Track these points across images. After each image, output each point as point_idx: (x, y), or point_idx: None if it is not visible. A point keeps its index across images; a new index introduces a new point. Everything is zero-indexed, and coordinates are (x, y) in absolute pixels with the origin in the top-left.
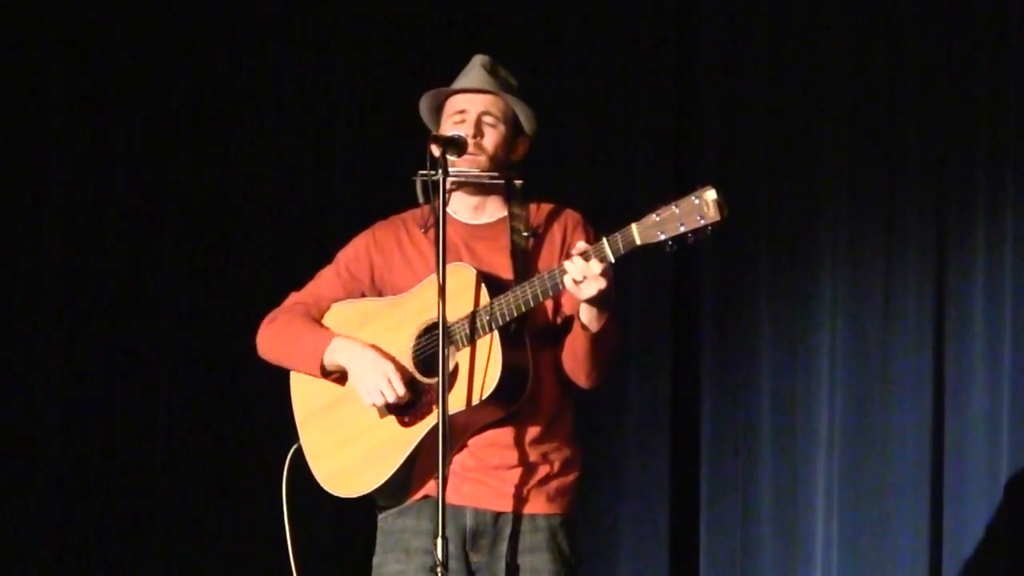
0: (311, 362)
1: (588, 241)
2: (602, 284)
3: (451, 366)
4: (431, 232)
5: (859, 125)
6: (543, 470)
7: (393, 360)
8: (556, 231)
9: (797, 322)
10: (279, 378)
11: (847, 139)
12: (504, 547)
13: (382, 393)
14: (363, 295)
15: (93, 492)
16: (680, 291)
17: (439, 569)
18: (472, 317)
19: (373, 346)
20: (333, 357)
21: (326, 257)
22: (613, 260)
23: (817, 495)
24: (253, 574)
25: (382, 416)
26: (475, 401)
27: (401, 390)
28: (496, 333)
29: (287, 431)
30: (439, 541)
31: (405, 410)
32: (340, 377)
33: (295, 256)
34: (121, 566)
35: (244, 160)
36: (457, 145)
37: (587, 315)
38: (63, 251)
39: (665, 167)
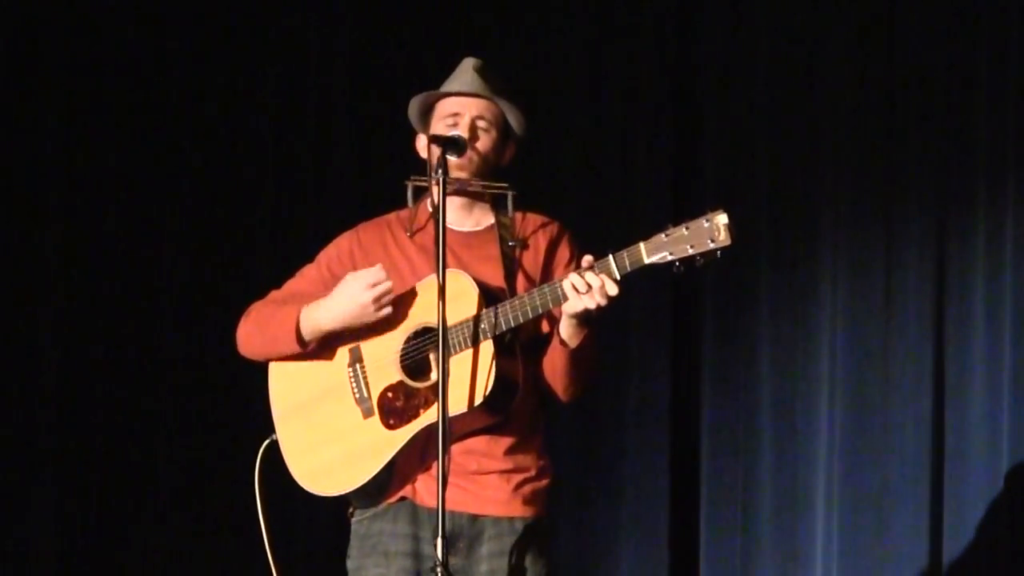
0: (287, 339)
1: (572, 253)
2: (603, 300)
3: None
4: (417, 236)
5: (859, 126)
6: (518, 476)
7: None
8: (542, 242)
9: (797, 322)
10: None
11: (847, 140)
12: (483, 550)
13: (373, 286)
14: None
15: (90, 491)
16: (680, 291)
17: (439, 569)
18: (467, 325)
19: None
20: (308, 324)
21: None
22: (619, 277)
23: (817, 495)
24: (237, 571)
25: (366, 416)
26: (466, 408)
27: (382, 274)
28: (491, 343)
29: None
30: (439, 541)
31: (391, 413)
32: (320, 350)
33: (293, 255)
34: (115, 564)
35: (244, 161)
36: (457, 146)
37: (567, 330)
38: (63, 251)
39: (665, 171)
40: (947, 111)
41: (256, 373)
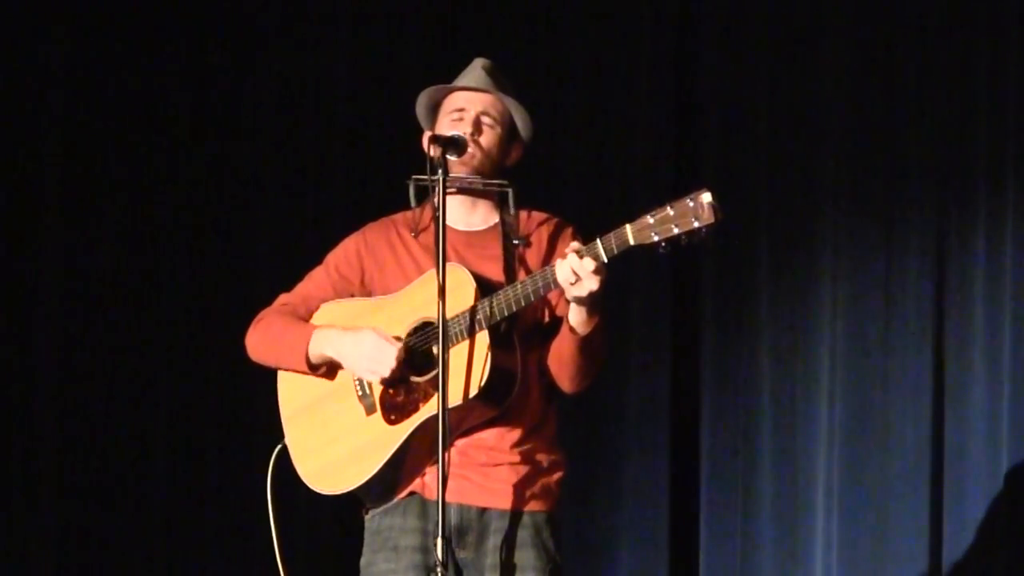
0: (297, 358)
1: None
2: (594, 284)
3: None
4: (422, 236)
5: (859, 125)
6: (527, 469)
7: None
8: (546, 240)
9: (797, 322)
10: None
11: (847, 139)
12: (489, 543)
13: (382, 364)
14: (352, 296)
15: (86, 492)
16: (680, 291)
17: (439, 569)
18: (463, 317)
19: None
20: (318, 350)
21: (322, 257)
22: (606, 259)
23: (817, 495)
24: (243, 574)
25: (369, 413)
26: (461, 400)
27: (396, 354)
28: (486, 333)
29: (277, 430)
30: (439, 541)
31: (392, 409)
32: (328, 371)
33: (291, 256)
34: (114, 566)
35: (243, 160)
36: (457, 145)
37: (576, 317)
38: (62, 250)
39: (665, 167)
40: (947, 111)
41: (254, 374)
